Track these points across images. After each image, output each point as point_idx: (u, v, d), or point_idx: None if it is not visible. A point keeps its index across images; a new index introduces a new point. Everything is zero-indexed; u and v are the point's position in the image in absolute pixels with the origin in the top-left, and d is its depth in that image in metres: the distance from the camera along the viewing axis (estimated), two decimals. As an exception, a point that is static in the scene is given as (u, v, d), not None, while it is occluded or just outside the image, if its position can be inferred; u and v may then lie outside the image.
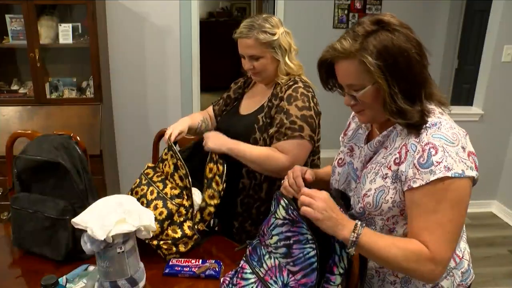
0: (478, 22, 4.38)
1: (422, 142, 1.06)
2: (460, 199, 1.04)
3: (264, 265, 1.17)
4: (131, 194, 1.61)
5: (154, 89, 3.35)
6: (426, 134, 1.07)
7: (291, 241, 1.12)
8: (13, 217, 1.50)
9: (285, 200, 1.15)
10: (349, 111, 1.27)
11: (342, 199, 1.23)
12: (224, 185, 1.53)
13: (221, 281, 1.29)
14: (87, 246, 1.20)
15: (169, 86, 3.37)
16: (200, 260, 1.45)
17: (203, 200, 1.54)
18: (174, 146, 1.58)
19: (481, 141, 3.46)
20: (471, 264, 1.28)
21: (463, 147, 1.07)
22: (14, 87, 2.92)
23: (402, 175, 1.09)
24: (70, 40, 2.76)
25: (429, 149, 1.04)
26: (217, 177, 1.53)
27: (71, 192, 1.45)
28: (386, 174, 1.13)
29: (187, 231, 1.48)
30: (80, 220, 1.21)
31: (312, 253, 1.10)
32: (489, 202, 3.72)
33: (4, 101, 2.76)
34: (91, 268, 1.37)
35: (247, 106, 1.76)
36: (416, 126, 1.09)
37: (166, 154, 1.62)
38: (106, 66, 3.03)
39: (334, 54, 1.10)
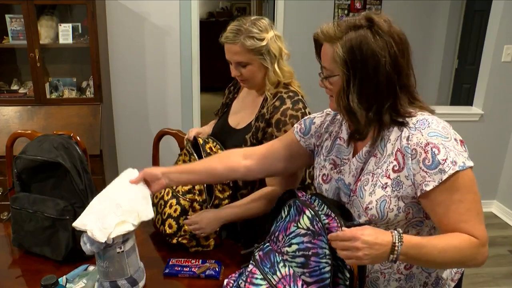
0: (478, 22, 4.38)
1: (421, 143, 1.06)
2: (471, 184, 1.07)
3: (278, 273, 1.15)
4: (152, 198, 1.62)
5: (154, 89, 3.34)
6: (422, 135, 1.07)
7: (310, 253, 1.11)
8: (13, 217, 1.50)
9: (311, 211, 1.13)
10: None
11: (337, 208, 1.21)
12: None
13: (225, 283, 1.29)
14: (86, 247, 1.20)
15: (169, 86, 3.37)
16: (200, 260, 1.45)
17: (215, 197, 1.53)
18: (189, 143, 1.61)
19: (481, 141, 3.47)
20: None
21: (455, 139, 1.08)
22: (14, 87, 2.92)
23: (407, 179, 1.08)
24: (70, 40, 2.76)
25: (431, 149, 1.05)
26: None
27: (71, 192, 1.45)
28: (386, 183, 1.11)
29: None
30: (80, 224, 1.21)
31: (327, 268, 1.10)
32: (489, 202, 3.71)
33: (4, 101, 2.76)
34: (91, 268, 1.37)
35: (237, 118, 1.70)
36: (359, 132, 1.13)
37: (180, 154, 1.66)
38: (106, 66, 3.03)
39: (319, 36, 1.14)
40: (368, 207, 1.13)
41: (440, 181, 1.04)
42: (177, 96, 3.41)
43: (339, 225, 1.11)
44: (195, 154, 1.58)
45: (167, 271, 1.40)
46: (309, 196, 1.23)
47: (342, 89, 1.09)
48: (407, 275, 1.21)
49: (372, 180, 1.14)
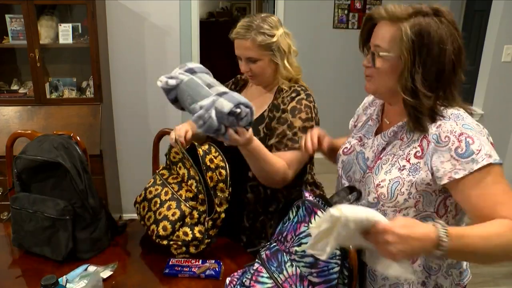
0: (478, 22, 4.38)
1: (455, 132, 1.07)
2: (502, 176, 1.06)
3: (285, 272, 1.15)
4: (145, 193, 1.61)
5: (154, 89, 3.31)
6: (456, 124, 1.08)
7: None
8: (13, 217, 1.50)
9: (323, 212, 1.13)
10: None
11: (352, 192, 1.23)
12: (230, 189, 1.50)
13: (227, 281, 1.29)
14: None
15: (169, 86, 3.37)
16: (200, 260, 1.45)
17: (215, 212, 1.49)
18: (184, 150, 1.54)
19: (481, 141, 3.46)
20: (468, 264, 1.29)
21: (487, 138, 1.10)
22: (14, 87, 2.91)
23: (425, 165, 1.09)
24: (70, 40, 2.76)
25: (465, 139, 1.05)
26: (220, 184, 1.49)
27: (71, 192, 1.45)
28: (404, 166, 1.13)
29: (198, 235, 1.46)
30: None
31: (336, 269, 1.10)
32: (489, 202, 3.71)
33: (4, 101, 2.75)
34: (91, 268, 1.37)
35: None
36: (420, 116, 1.10)
37: (174, 157, 1.61)
38: (106, 66, 3.02)
39: (381, 14, 1.12)
40: (380, 184, 1.15)
41: (471, 171, 1.03)
42: (177, 96, 3.41)
43: None
44: (191, 160, 1.51)
45: (167, 271, 1.40)
46: (314, 197, 1.23)
47: (407, 70, 1.08)
48: None
49: (391, 161, 1.17)
